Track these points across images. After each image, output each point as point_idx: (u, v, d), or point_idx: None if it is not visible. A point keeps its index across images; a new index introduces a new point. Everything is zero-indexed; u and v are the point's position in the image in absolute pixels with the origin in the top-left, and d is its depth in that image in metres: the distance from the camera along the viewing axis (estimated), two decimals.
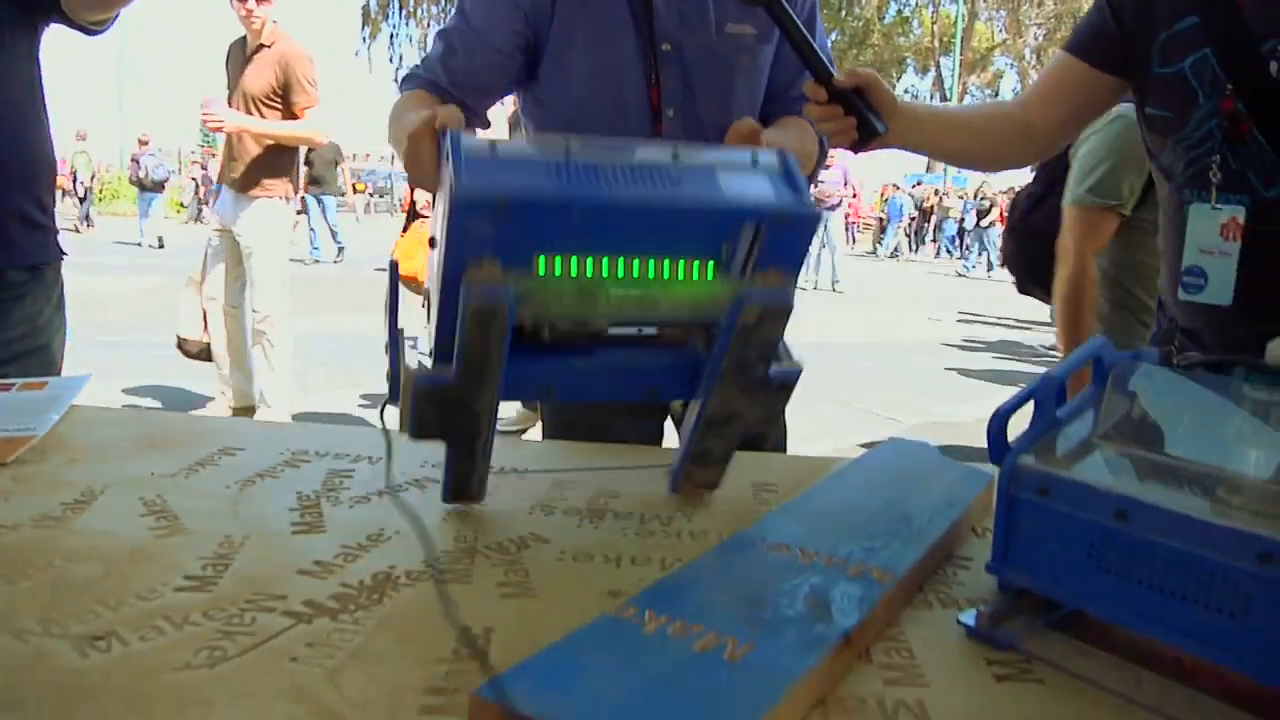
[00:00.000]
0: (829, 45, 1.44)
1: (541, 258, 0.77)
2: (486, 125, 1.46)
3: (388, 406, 0.87)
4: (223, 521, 0.86)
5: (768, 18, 1.16)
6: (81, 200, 16.82)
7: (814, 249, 10.94)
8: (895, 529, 0.82)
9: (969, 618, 0.71)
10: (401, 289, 0.92)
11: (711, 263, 0.82)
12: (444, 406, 0.79)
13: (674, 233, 0.80)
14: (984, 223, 16.54)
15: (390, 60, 33.46)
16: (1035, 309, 10.48)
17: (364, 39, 33.81)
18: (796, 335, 0.88)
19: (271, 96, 3.78)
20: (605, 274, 0.79)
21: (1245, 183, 1.16)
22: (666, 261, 0.80)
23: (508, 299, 0.73)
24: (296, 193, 4.10)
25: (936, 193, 20.76)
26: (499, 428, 0.85)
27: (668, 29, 1.34)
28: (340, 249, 12.76)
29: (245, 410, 4.05)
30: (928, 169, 26.13)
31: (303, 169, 4.69)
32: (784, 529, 0.82)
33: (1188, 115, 1.19)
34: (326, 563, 0.78)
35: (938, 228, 20.32)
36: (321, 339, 6.17)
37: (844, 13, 30.77)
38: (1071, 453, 0.72)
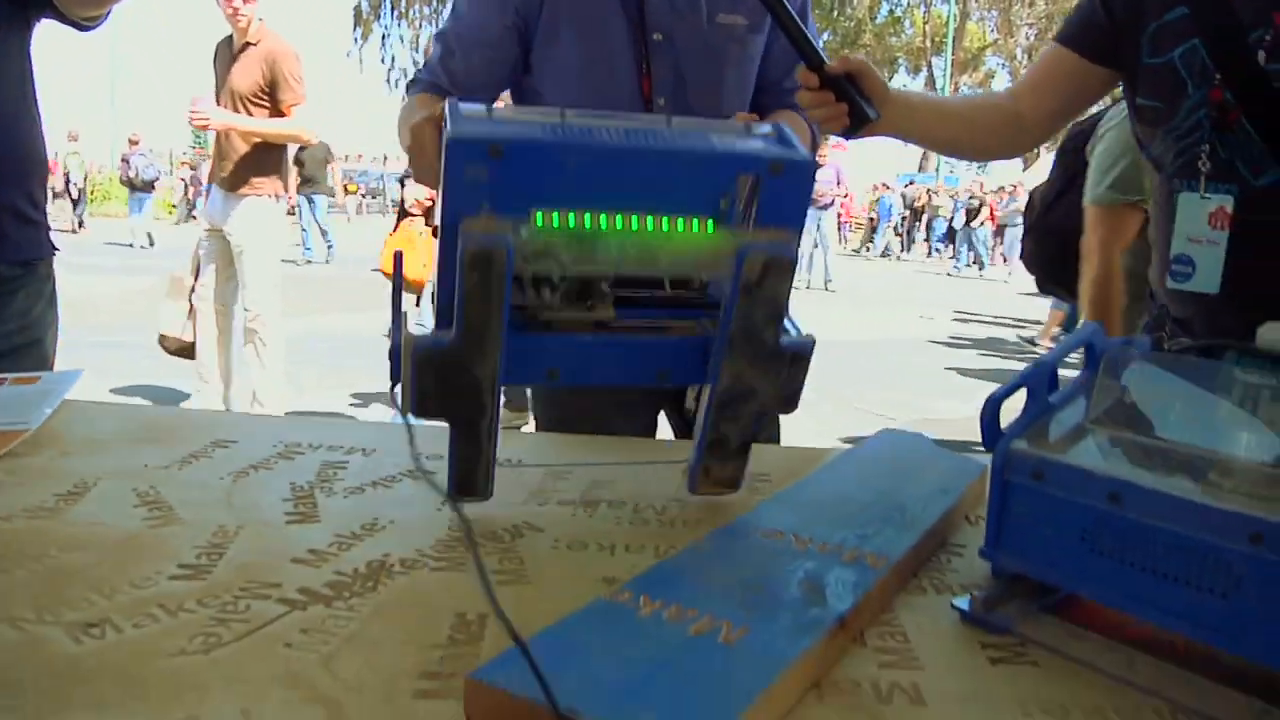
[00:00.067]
0: (821, 44, 1.45)
1: (539, 214, 0.76)
2: None
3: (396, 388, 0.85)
4: (216, 512, 0.86)
5: (758, 8, 1.17)
6: (75, 202, 16.75)
7: (806, 248, 10.96)
8: (889, 516, 0.83)
9: (963, 602, 0.71)
10: (394, 294, 0.91)
11: (711, 221, 0.81)
12: (445, 373, 0.77)
13: (669, 183, 0.79)
14: (974, 223, 16.54)
15: (382, 61, 33.52)
16: (1027, 307, 10.52)
17: (356, 40, 33.78)
18: None
19: (259, 94, 3.77)
20: (604, 227, 0.78)
21: (1234, 172, 1.17)
22: (665, 220, 0.80)
23: (505, 244, 0.72)
24: (287, 190, 4.09)
25: (929, 192, 20.79)
26: None
27: (659, 18, 1.35)
28: (330, 247, 12.74)
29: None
30: (920, 168, 26.19)
31: (293, 169, 4.68)
32: (778, 516, 0.82)
33: (1177, 105, 1.20)
34: (321, 551, 0.78)
35: (928, 227, 20.35)
36: (314, 339, 6.16)
37: (836, 12, 30.79)
38: (1064, 438, 0.73)
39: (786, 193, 0.79)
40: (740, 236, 0.79)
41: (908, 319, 9.62)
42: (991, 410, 0.71)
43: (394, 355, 0.82)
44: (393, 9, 33.25)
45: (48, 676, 0.58)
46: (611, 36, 1.35)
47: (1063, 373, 0.78)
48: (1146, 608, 0.63)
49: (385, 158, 27.59)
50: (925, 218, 20.49)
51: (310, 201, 12.34)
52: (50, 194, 2.57)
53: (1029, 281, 2.92)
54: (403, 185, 5.10)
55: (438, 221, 0.82)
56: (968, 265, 16.56)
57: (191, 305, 3.98)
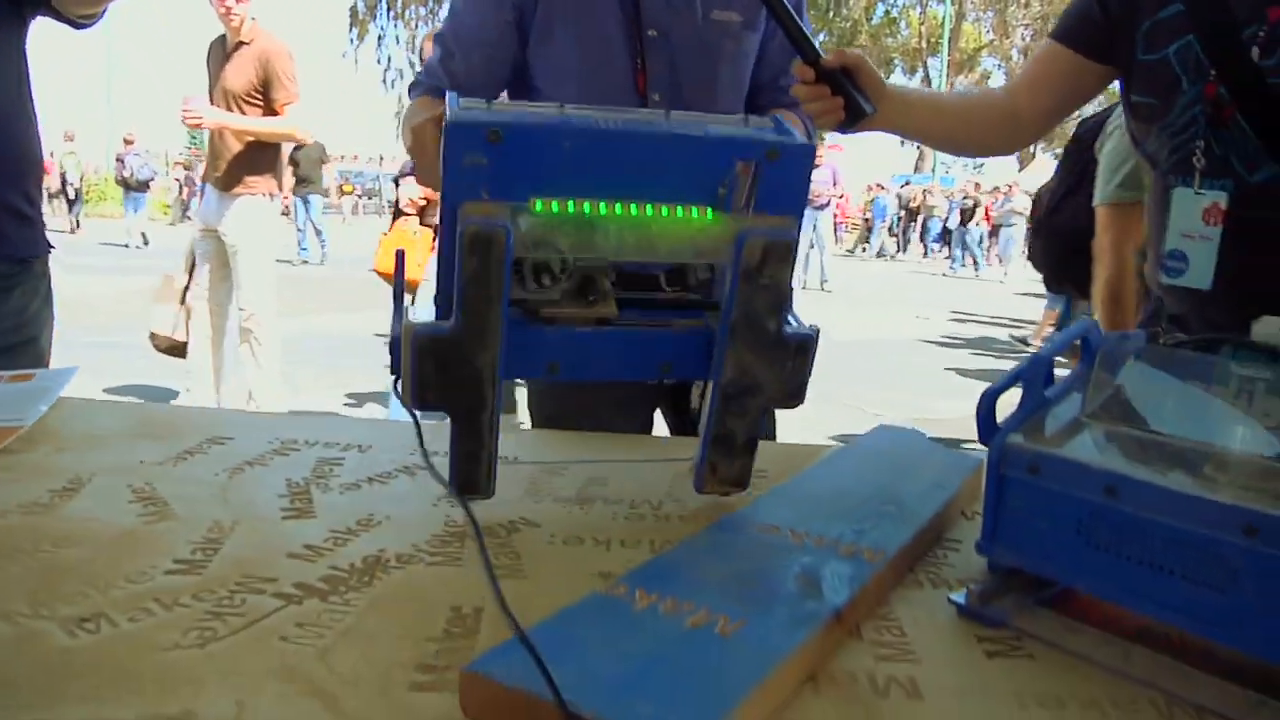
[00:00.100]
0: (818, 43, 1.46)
1: (538, 202, 0.76)
2: None
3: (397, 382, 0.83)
4: (212, 507, 0.86)
5: (753, 4, 1.17)
6: (71, 202, 16.72)
7: (803, 248, 10.97)
8: (885, 511, 0.83)
9: (959, 596, 0.71)
10: (396, 287, 0.91)
11: (710, 209, 0.80)
12: (445, 361, 0.76)
13: (668, 169, 0.78)
14: (969, 223, 16.56)
15: (378, 62, 33.41)
16: (1023, 308, 10.53)
17: (351, 40, 33.74)
18: None
19: (252, 93, 3.76)
20: (604, 212, 0.78)
21: (1228, 168, 1.17)
22: (664, 209, 0.79)
23: (504, 227, 0.72)
24: (281, 189, 4.08)
25: (924, 192, 20.82)
26: None
27: (654, 14, 1.35)
28: (323, 247, 12.72)
29: None
30: (915, 169, 26.20)
31: (288, 169, 4.67)
32: (774, 511, 0.82)
33: (1172, 101, 1.20)
34: (316, 546, 0.78)
35: (924, 227, 20.37)
36: (309, 339, 6.15)
37: (831, 13, 30.82)
38: (1060, 432, 0.73)
39: (785, 179, 0.79)
40: (740, 222, 0.79)
41: (903, 319, 9.63)
42: (987, 405, 0.71)
43: (394, 347, 0.82)
44: (389, 9, 33.20)
45: (42, 671, 0.57)
46: (607, 32, 1.36)
47: (1060, 372, 0.78)
48: (1142, 601, 0.63)
49: (381, 158, 27.59)
50: (920, 218, 20.52)
51: (306, 202, 12.34)
52: (46, 194, 2.57)
53: (1025, 282, 2.93)
54: (397, 185, 5.09)
55: (436, 220, 0.82)
56: (963, 265, 16.59)
57: (186, 305, 3.97)
